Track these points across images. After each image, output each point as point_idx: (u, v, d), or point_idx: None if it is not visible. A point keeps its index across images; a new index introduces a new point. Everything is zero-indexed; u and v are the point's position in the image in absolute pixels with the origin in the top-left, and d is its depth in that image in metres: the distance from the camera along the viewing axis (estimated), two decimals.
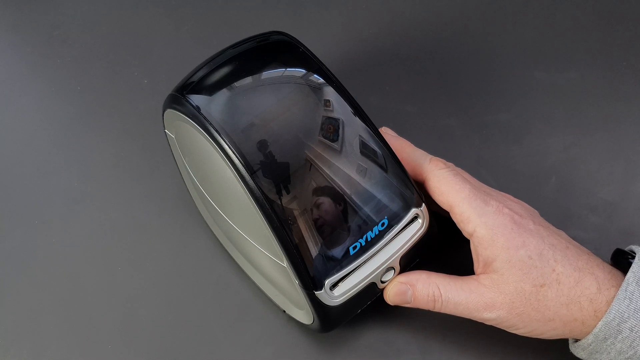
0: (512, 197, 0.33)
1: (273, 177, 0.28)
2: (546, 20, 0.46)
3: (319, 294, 0.29)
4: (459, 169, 0.33)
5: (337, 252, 0.29)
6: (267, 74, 0.30)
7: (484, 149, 0.41)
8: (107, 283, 0.39)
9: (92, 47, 0.48)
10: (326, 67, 0.31)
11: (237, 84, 0.29)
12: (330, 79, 0.30)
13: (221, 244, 0.39)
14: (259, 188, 0.27)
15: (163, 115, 0.33)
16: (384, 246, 0.31)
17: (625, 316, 0.28)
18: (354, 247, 0.29)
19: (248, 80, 0.30)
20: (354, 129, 0.29)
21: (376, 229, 0.30)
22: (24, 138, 0.45)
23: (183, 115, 0.30)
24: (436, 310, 0.31)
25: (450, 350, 0.35)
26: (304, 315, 0.33)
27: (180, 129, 0.32)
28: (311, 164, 0.28)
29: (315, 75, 0.30)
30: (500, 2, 0.48)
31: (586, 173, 0.40)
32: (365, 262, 0.30)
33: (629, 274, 0.29)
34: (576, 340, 0.31)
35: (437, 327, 0.36)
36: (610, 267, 0.30)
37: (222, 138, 0.28)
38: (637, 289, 0.28)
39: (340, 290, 0.30)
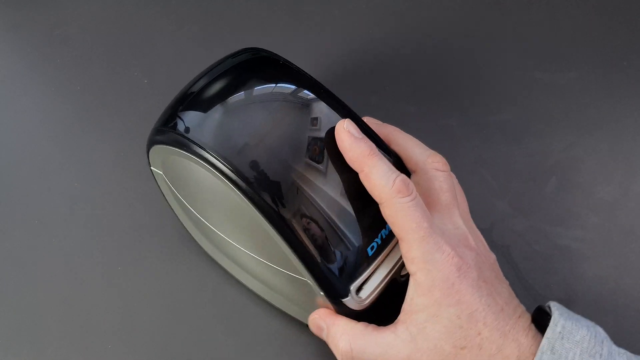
0: (472, 238, 0.30)
1: (283, 195, 0.27)
2: (546, 20, 0.46)
3: (346, 301, 0.29)
4: (438, 181, 0.31)
5: (357, 255, 0.29)
6: (251, 92, 0.29)
7: (484, 149, 0.41)
8: (107, 283, 0.39)
9: (92, 47, 0.48)
10: (308, 75, 0.31)
11: (221, 107, 0.29)
12: (316, 87, 0.30)
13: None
14: (270, 206, 0.27)
15: (148, 153, 0.33)
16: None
17: None
18: (372, 248, 0.29)
19: (232, 101, 0.29)
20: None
21: (389, 226, 0.30)
22: (24, 138, 0.45)
23: (176, 149, 0.29)
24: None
25: None
26: None
27: (172, 163, 0.31)
28: (318, 174, 0.28)
29: (298, 88, 0.30)
30: (501, 2, 0.48)
31: (586, 173, 0.40)
32: (383, 260, 0.30)
33: (544, 341, 0.27)
34: None
35: None
36: (536, 331, 0.28)
37: (225, 165, 0.27)
38: (551, 357, 0.26)
39: (365, 292, 0.29)
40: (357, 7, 0.49)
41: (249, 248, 0.32)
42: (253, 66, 0.31)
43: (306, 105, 0.29)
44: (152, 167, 0.34)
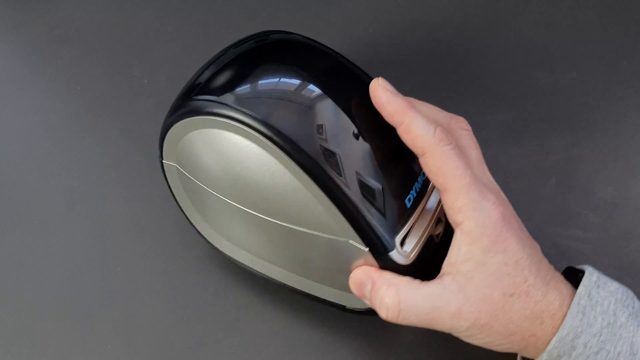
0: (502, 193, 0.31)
1: (324, 150, 0.27)
2: (546, 20, 0.46)
3: (392, 254, 0.28)
4: (466, 139, 0.31)
5: (397, 208, 0.28)
6: (283, 57, 0.30)
7: (484, 148, 0.41)
8: (107, 283, 0.39)
9: (92, 47, 0.48)
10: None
11: (255, 71, 0.29)
12: (341, 57, 0.31)
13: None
14: (313, 161, 0.27)
15: (163, 142, 0.32)
16: (430, 195, 0.30)
17: (579, 331, 0.27)
18: (409, 200, 0.29)
19: (264, 66, 0.29)
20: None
21: (420, 179, 0.30)
22: (24, 138, 0.45)
23: (210, 117, 0.28)
24: (389, 320, 0.28)
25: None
26: None
27: (191, 144, 0.30)
28: (355, 128, 0.28)
29: (327, 55, 0.31)
30: (501, 2, 0.48)
31: (586, 173, 0.40)
32: (420, 214, 0.30)
33: (580, 287, 0.28)
34: None
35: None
36: (571, 284, 0.29)
37: (267, 124, 0.27)
38: (589, 302, 0.27)
39: (408, 246, 0.29)
40: (357, 7, 0.49)
41: (282, 218, 0.30)
42: (279, 38, 0.31)
43: (336, 69, 0.30)
44: (163, 160, 0.33)
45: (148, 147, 0.43)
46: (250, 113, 0.27)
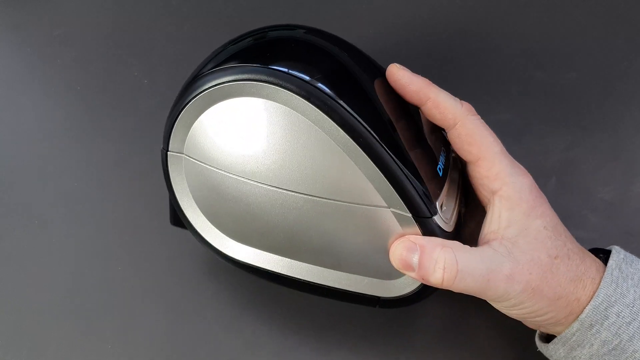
0: None
1: (368, 119, 0.27)
2: (546, 20, 0.46)
3: (436, 219, 0.28)
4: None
5: (431, 173, 0.28)
6: (311, 37, 0.30)
7: None
8: (107, 283, 0.39)
9: (92, 47, 0.48)
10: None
11: (285, 51, 0.28)
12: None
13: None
14: (360, 125, 0.26)
15: (173, 126, 0.29)
16: (453, 167, 0.30)
17: (612, 300, 0.27)
18: (439, 168, 0.29)
19: (298, 41, 0.29)
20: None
21: (442, 156, 0.30)
22: (24, 138, 0.45)
23: (255, 82, 0.27)
24: (445, 285, 0.27)
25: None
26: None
27: (207, 124, 0.28)
28: (388, 98, 0.28)
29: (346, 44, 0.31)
30: (500, 2, 0.48)
31: (586, 173, 0.40)
32: (449, 183, 0.30)
33: (611, 261, 0.28)
34: (547, 340, 0.30)
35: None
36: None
37: (317, 89, 0.26)
38: (620, 274, 0.28)
39: (447, 212, 0.29)
40: (357, 7, 0.49)
41: (318, 191, 0.28)
42: (297, 25, 0.31)
43: (353, 51, 0.31)
44: (169, 151, 0.30)
45: (148, 147, 0.43)
46: (296, 75, 0.26)
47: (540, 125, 0.42)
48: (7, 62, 0.49)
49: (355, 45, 0.32)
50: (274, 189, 0.28)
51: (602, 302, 0.27)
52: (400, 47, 0.46)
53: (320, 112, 0.26)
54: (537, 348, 0.32)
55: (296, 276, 0.31)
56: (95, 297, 0.38)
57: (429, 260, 0.27)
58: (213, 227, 0.31)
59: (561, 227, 0.29)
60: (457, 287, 0.27)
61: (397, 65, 0.30)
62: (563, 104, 0.42)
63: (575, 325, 0.28)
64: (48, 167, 0.43)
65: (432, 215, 0.28)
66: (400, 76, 0.29)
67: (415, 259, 0.27)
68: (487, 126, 0.29)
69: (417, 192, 0.27)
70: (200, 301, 0.37)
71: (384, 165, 0.27)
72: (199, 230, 0.32)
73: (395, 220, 0.28)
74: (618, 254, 0.29)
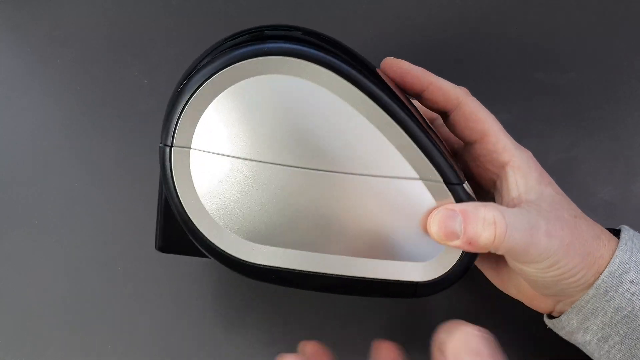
0: None
1: (388, 90, 0.27)
2: (546, 20, 0.46)
3: (465, 186, 0.28)
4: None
5: (446, 148, 0.30)
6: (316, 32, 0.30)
7: None
8: (107, 283, 0.39)
9: (92, 47, 0.48)
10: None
11: (294, 34, 0.28)
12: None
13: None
14: (395, 98, 0.27)
15: (182, 112, 0.27)
16: None
17: (627, 267, 0.28)
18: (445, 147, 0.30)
19: (311, 34, 0.29)
20: None
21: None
22: (24, 138, 0.45)
23: (290, 58, 0.26)
24: (495, 243, 0.26)
25: None
26: (446, 254, 0.28)
27: (223, 108, 0.26)
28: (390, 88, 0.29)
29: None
30: (500, 2, 0.48)
31: (586, 173, 0.40)
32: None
33: (623, 234, 0.29)
34: (550, 317, 0.31)
35: None
36: None
37: (353, 65, 0.26)
38: (633, 245, 0.29)
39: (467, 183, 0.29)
40: (357, 7, 0.49)
41: (349, 167, 0.27)
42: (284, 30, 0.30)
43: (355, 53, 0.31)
44: (174, 147, 0.27)
45: (148, 147, 0.43)
46: (318, 50, 0.26)
47: (540, 125, 0.42)
48: (7, 62, 0.49)
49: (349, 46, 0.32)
50: (303, 170, 0.27)
51: (617, 268, 0.28)
52: (399, 48, 0.46)
53: (349, 83, 0.26)
54: (547, 326, 0.32)
55: (329, 272, 0.28)
56: (95, 297, 0.38)
57: (475, 220, 0.26)
58: (227, 230, 0.28)
59: (566, 197, 0.30)
60: (507, 244, 0.26)
61: (393, 58, 0.31)
62: (563, 104, 0.42)
63: (591, 291, 0.28)
64: (48, 167, 0.43)
65: (462, 183, 0.28)
66: (400, 64, 0.30)
67: (458, 224, 0.27)
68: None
69: (445, 159, 0.27)
70: (201, 301, 0.37)
71: (414, 133, 0.27)
72: (208, 236, 0.28)
73: (427, 192, 0.27)
74: (628, 231, 0.30)
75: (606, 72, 0.43)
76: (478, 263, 0.34)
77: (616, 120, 0.42)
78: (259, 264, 0.28)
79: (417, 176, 0.27)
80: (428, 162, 0.27)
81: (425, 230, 0.28)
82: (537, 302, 0.32)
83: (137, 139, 0.44)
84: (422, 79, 0.30)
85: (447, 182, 0.27)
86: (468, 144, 0.31)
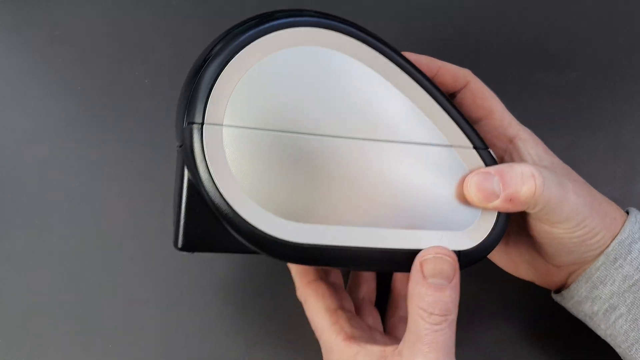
0: None
1: (414, 65, 0.29)
2: (546, 20, 0.46)
3: (490, 151, 0.29)
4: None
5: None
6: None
7: None
8: (107, 283, 0.39)
9: (93, 47, 0.48)
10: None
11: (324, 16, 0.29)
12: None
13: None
14: (418, 71, 0.28)
15: (214, 85, 0.25)
16: None
17: (636, 237, 0.29)
18: None
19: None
20: None
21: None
22: (24, 138, 0.45)
23: (324, 30, 0.26)
24: (536, 195, 0.27)
25: None
26: (482, 220, 0.29)
27: (263, 78, 0.26)
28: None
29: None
30: (500, 2, 0.48)
31: (586, 173, 0.40)
32: None
33: (631, 209, 0.31)
34: (558, 290, 0.32)
35: None
36: None
37: (379, 40, 0.28)
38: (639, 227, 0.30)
39: None
40: (357, 7, 0.49)
41: (387, 135, 0.27)
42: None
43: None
44: (205, 125, 0.25)
45: (148, 147, 0.43)
46: (348, 24, 0.27)
47: (541, 125, 0.42)
48: (7, 62, 0.49)
49: None
50: (344, 139, 0.26)
51: (626, 237, 0.29)
52: (400, 48, 0.46)
53: (379, 54, 0.27)
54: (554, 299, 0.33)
55: (376, 245, 0.27)
56: (95, 297, 0.38)
57: (513, 176, 0.27)
58: (269, 212, 0.26)
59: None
60: (545, 197, 0.27)
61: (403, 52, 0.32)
62: (563, 104, 0.42)
63: (601, 259, 0.29)
64: (48, 167, 0.43)
65: (488, 147, 0.29)
66: (409, 55, 0.31)
67: (496, 184, 0.27)
68: None
69: (470, 125, 0.29)
70: (201, 301, 0.37)
71: (441, 101, 0.28)
72: (251, 221, 0.25)
73: (459, 158, 0.28)
74: (636, 214, 0.31)
75: (606, 72, 0.43)
76: None
77: (616, 121, 0.42)
78: (306, 243, 0.26)
79: (448, 143, 0.28)
80: (457, 128, 0.28)
81: (461, 198, 0.28)
82: (550, 276, 0.33)
83: (137, 139, 0.44)
84: (430, 65, 0.32)
85: (476, 147, 0.28)
86: (474, 122, 0.33)
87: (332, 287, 0.32)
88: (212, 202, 0.25)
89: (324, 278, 0.32)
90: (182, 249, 0.27)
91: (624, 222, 0.30)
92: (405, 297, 0.32)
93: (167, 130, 0.43)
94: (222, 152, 0.25)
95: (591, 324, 0.31)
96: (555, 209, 0.28)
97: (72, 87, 0.47)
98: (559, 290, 0.33)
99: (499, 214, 0.29)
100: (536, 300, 0.36)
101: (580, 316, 0.32)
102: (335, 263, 0.28)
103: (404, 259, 0.27)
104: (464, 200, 0.28)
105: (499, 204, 0.27)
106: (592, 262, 0.30)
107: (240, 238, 0.26)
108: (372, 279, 0.36)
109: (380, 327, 0.34)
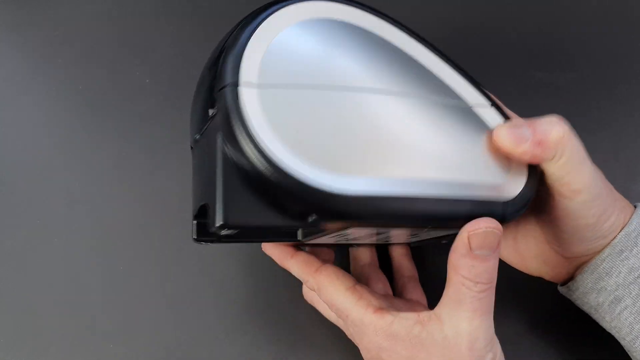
0: None
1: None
2: (546, 20, 0.46)
3: (502, 106, 0.30)
4: None
5: None
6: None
7: None
8: (107, 283, 0.39)
9: (93, 47, 0.48)
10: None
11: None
12: None
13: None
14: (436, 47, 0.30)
15: (247, 42, 0.24)
16: None
17: None
18: None
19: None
20: None
21: None
22: (24, 138, 0.45)
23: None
24: (564, 141, 0.27)
25: None
26: (514, 174, 0.29)
27: (294, 39, 0.25)
28: None
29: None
30: (500, 2, 0.48)
31: None
32: None
33: (638, 209, 0.31)
34: (565, 283, 0.32)
35: None
36: None
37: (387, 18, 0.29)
38: None
39: None
40: None
41: (420, 92, 0.28)
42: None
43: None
44: (240, 85, 0.23)
45: (148, 147, 0.43)
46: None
47: None
48: (8, 62, 0.49)
49: None
50: (386, 94, 0.26)
51: (633, 229, 0.30)
52: None
53: (396, 28, 0.29)
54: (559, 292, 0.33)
55: (438, 193, 0.26)
56: (96, 297, 0.38)
57: (542, 122, 0.28)
58: (323, 169, 0.24)
59: None
60: (571, 144, 0.28)
61: None
62: (563, 104, 0.43)
63: (607, 250, 0.30)
64: (48, 167, 0.43)
65: (498, 105, 0.30)
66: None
67: (525, 130, 0.27)
68: None
69: (481, 87, 0.30)
70: (202, 301, 0.37)
71: (455, 65, 0.30)
72: (308, 180, 0.23)
73: (480, 116, 0.29)
74: None
75: (606, 72, 0.43)
76: None
77: (616, 120, 0.42)
78: (370, 195, 0.24)
79: (470, 102, 0.29)
80: (474, 88, 0.29)
81: (493, 151, 0.28)
82: (558, 269, 0.33)
83: (138, 139, 0.44)
84: None
85: (492, 104, 0.29)
86: None
87: (339, 267, 0.32)
88: (265, 170, 0.23)
89: (328, 262, 0.32)
90: (222, 237, 0.25)
91: (632, 214, 0.30)
92: (403, 257, 0.37)
93: (167, 130, 0.43)
94: (262, 113, 0.23)
95: (596, 316, 0.32)
96: (575, 168, 0.28)
97: (72, 87, 0.47)
98: (564, 283, 0.33)
99: (530, 168, 0.29)
100: (542, 294, 0.36)
101: (586, 308, 0.32)
102: (394, 215, 0.26)
103: (464, 209, 0.27)
104: (495, 153, 0.28)
105: (528, 147, 0.27)
106: (599, 252, 0.30)
107: (292, 203, 0.24)
108: (372, 246, 0.37)
109: (390, 290, 0.35)
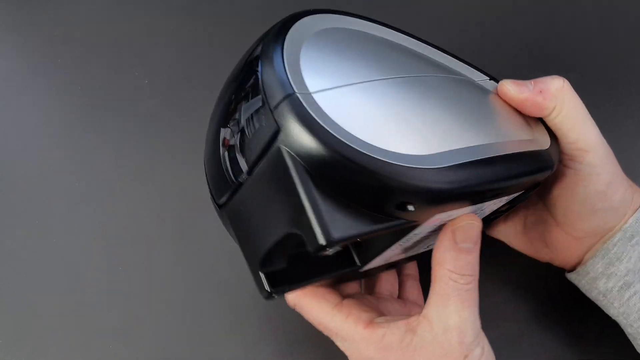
0: None
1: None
2: (547, 20, 0.46)
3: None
4: None
5: None
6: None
7: None
8: (107, 283, 0.39)
9: (93, 47, 0.48)
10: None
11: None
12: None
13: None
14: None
15: (283, 58, 0.25)
16: None
17: None
18: None
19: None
20: None
21: None
22: (24, 138, 0.45)
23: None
24: (564, 90, 0.30)
25: None
26: (537, 131, 0.31)
27: (321, 45, 0.26)
28: None
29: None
30: (501, 2, 0.48)
31: None
32: None
33: None
34: (572, 269, 0.32)
35: None
36: None
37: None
38: None
39: None
40: (357, 9, 0.49)
41: (445, 72, 0.31)
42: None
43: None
44: (297, 93, 0.23)
45: (148, 147, 0.43)
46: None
47: None
48: (8, 62, 0.49)
49: None
50: (423, 75, 0.28)
51: None
52: None
53: (398, 32, 0.31)
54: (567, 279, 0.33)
55: (496, 153, 0.27)
56: (95, 297, 0.38)
57: (543, 78, 0.30)
58: (408, 152, 0.24)
59: None
60: (570, 97, 0.30)
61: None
62: None
63: (618, 235, 0.30)
64: (48, 167, 0.43)
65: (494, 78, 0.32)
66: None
67: (527, 82, 0.30)
68: None
69: (475, 66, 0.32)
70: (201, 302, 0.37)
71: (452, 54, 0.32)
72: (407, 164, 0.23)
73: (488, 88, 0.32)
74: None
75: (606, 72, 0.43)
76: (504, 236, 0.36)
77: (616, 121, 0.42)
78: (452, 165, 0.24)
79: (477, 79, 0.32)
80: (473, 69, 0.32)
81: (511, 114, 0.30)
82: (568, 252, 0.33)
83: (137, 139, 0.44)
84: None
85: (491, 78, 0.32)
86: None
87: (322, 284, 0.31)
88: (355, 162, 0.22)
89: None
90: (327, 245, 0.22)
91: None
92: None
93: (166, 130, 0.43)
94: (332, 114, 0.23)
95: (604, 303, 0.32)
96: (579, 123, 0.30)
97: (72, 87, 0.47)
98: (573, 270, 0.33)
99: (549, 132, 0.30)
100: (542, 294, 0.37)
101: (594, 294, 0.32)
102: (483, 179, 0.26)
103: (527, 160, 0.28)
104: (515, 115, 0.31)
105: (530, 94, 0.30)
106: (610, 237, 0.30)
107: (391, 194, 0.23)
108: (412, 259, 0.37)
109: (396, 291, 0.35)
